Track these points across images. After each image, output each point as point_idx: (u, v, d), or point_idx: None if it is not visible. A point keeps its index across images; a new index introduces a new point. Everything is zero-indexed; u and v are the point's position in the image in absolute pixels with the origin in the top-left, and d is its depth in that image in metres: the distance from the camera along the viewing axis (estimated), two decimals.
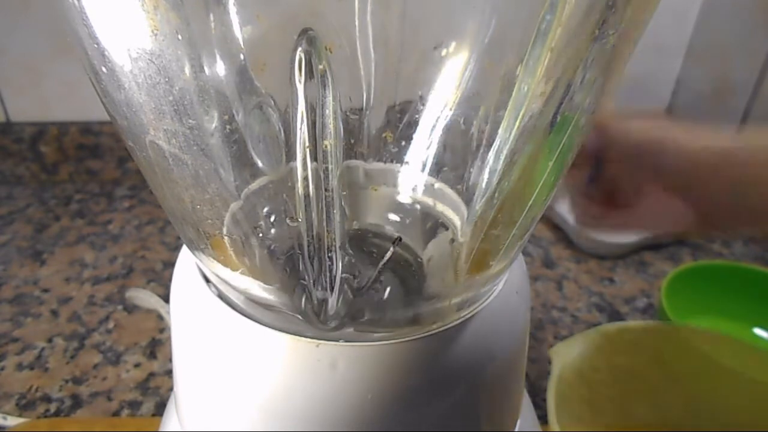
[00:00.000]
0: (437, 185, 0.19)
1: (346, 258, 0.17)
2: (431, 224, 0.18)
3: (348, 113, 0.15)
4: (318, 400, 0.17)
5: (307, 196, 0.15)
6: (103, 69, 0.14)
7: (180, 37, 0.13)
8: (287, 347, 0.17)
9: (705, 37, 0.59)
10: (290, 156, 0.15)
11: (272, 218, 0.18)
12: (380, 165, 0.19)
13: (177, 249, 0.51)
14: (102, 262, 0.50)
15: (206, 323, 0.19)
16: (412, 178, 0.19)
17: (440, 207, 0.19)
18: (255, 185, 0.18)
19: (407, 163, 0.18)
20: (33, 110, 0.60)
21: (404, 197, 0.19)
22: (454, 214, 0.18)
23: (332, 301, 0.17)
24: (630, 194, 0.31)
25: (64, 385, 0.37)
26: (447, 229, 0.18)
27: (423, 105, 0.16)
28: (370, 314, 0.18)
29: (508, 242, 0.18)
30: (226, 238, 0.17)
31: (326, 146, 0.14)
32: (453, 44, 0.14)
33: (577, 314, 0.45)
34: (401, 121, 0.17)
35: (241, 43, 0.14)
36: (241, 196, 0.18)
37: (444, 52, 0.14)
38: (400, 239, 0.18)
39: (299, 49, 0.13)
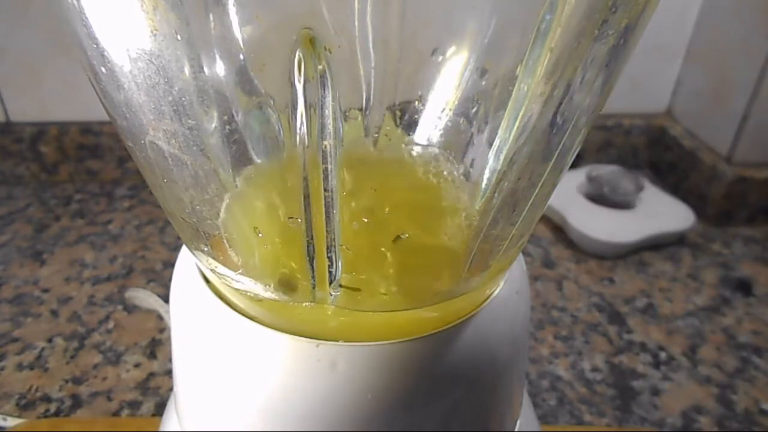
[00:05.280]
0: (436, 185, 0.19)
1: (346, 258, 0.17)
2: (431, 223, 0.18)
3: (347, 113, 0.15)
4: (318, 400, 0.17)
5: (307, 196, 0.15)
6: (103, 69, 0.14)
7: (179, 37, 0.13)
8: (287, 347, 0.17)
9: (705, 37, 0.59)
10: (290, 156, 0.15)
11: (272, 218, 0.18)
12: (379, 165, 0.19)
13: (177, 249, 0.51)
14: (102, 262, 0.50)
15: (206, 323, 0.19)
16: (411, 177, 0.19)
17: (439, 206, 0.19)
18: (254, 185, 0.18)
19: (406, 162, 0.18)
20: (33, 110, 0.60)
21: (404, 196, 0.19)
22: (453, 213, 0.18)
23: (332, 300, 0.17)
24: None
25: (64, 385, 0.37)
26: (447, 228, 0.18)
27: (423, 105, 0.16)
28: (369, 316, 0.18)
29: (508, 242, 0.18)
30: (225, 237, 0.17)
31: (326, 146, 0.14)
32: (452, 45, 0.14)
33: (577, 314, 0.45)
34: (401, 121, 0.17)
35: (241, 43, 0.14)
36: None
37: (441, 57, 0.14)
38: (401, 238, 0.18)
39: (298, 49, 0.13)
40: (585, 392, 0.38)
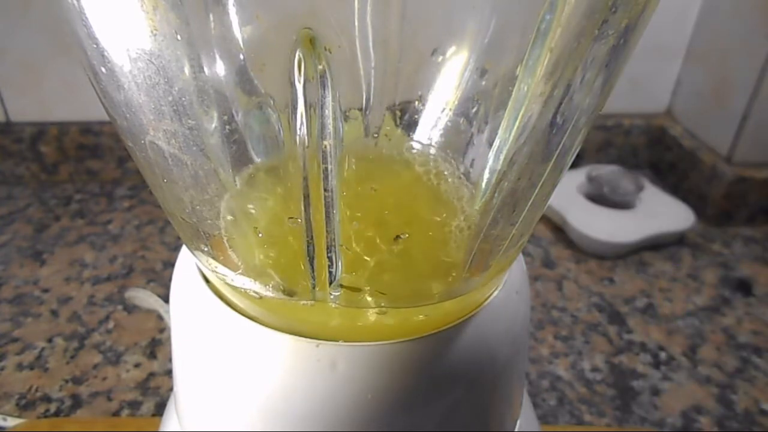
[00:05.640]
0: (436, 185, 0.19)
1: (346, 258, 0.17)
2: (431, 223, 0.18)
3: (347, 113, 0.15)
4: (318, 401, 0.17)
5: (307, 196, 0.15)
6: (103, 69, 0.14)
7: (179, 37, 0.13)
8: (287, 347, 0.17)
9: (705, 37, 0.59)
10: (290, 156, 0.15)
11: (272, 218, 0.18)
12: (379, 164, 0.19)
13: (177, 249, 0.51)
14: (102, 262, 0.50)
15: (206, 323, 0.19)
16: (411, 177, 0.19)
17: (439, 206, 0.19)
18: (254, 184, 0.18)
19: (407, 162, 0.18)
20: (33, 110, 0.60)
21: (404, 196, 0.19)
22: (453, 213, 0.18)
23: (332, 300, 0.17)
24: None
25: (64, 385, 0.37)
26: (447, 228, 0.18)
27: (423, 105, 0.16)
28: (369, 316, 0.18)
29: (508, 242, 0.18)
30: (225, 238, 0.17)
31: (326, 146, 0.14)
32: (452, 45, 0.14)
33: (577, 314, 0.45)
34: (401, 121, 0.17)
35: (241, 43, 0.14)
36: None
37: (441, 57, 0.14)
38: (401, 238, 0.18)
39: (298, 49, 0.13)
40: (585, 392, 0.38)
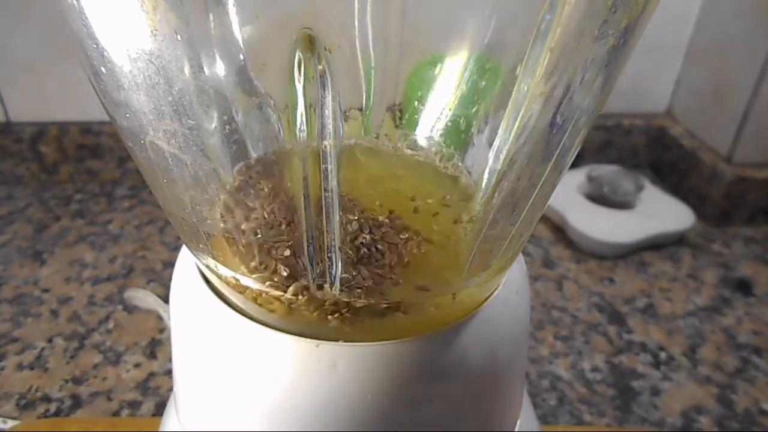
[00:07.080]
0: (436, 185, 0.19)
1: (346, 257, 0.17)
2: (431, 223, 0.18)
3: (347, 113, 0.15)
4: (318, 401, 0.17)
5: (306, 196, 0.15)
6: (103, 69, 0.15)
7: (179, 37, 0.13)
8: (287, 347, 0.17)
9: (705, 37, 0.59)
10: (290, 156, 0.15)
11: (272, 218, 0.18)
12: (379, 164, 0.19)
13: (177, 249, 0.51)
14: (102, 262, 0.50)
15: (206, 323, 0.19)
16: (411, 177, 0.19)
17: (439, 206, 0.19)
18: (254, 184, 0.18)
19: (406, 163, 0.18)
20: (33, 110, 0.60)
21: (403, 196, 0.19)
22: (453, 213, 0.18)
23: (331, 300, 0.17)
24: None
25: (64, 385, 0.37)
26: (447, 228, 0.18)
27: (423, 105, 0.16)
28: (369, 316, 0.18)
29: (508, 242, 0.18)
30: (225, 238, 0.17)
31: (326, 146, 0.14)
32: (452, 45, 0.14)
33: (577, 314, 0.45)
34: (401, 121, 0.17)
35: (241, 43, 0.14)
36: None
37: (438, 68, 0.14)
38: (400, 238, 0.18)
39: (298, 49, 0.13)
40: (585, 392, 0.38)
